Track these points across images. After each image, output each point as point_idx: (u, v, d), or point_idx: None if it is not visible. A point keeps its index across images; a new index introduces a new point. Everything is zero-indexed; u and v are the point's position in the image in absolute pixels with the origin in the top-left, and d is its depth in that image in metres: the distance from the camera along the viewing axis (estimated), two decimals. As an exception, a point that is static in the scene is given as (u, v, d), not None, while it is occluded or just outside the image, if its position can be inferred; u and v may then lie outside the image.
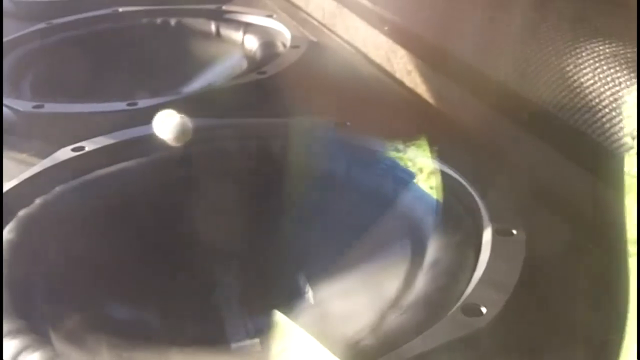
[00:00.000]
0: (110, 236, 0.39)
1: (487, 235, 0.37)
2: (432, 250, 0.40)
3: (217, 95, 0.39)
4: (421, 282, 0.38)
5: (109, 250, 0.39)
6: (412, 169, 0.43)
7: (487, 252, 0.36)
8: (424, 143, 0.41)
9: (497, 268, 0.35)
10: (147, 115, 0.39)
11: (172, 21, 0.45)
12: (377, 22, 0.40)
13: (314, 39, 0.41)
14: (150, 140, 0.40)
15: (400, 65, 0.40)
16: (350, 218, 0.52)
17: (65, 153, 0.39)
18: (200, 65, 0.42)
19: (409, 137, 0.40)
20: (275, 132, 0.40)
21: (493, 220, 0.37)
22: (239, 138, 0.41)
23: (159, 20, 0.45)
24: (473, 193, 0.39)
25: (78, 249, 0.38)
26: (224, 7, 0.44)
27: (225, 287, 0.43)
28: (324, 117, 0.41)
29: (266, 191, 0.42)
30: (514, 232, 0.38)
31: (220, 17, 0.44)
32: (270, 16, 0.42)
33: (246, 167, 0.40)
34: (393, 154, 0.43)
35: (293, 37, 0.40)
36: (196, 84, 0.40)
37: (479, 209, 0.38)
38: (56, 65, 0.48)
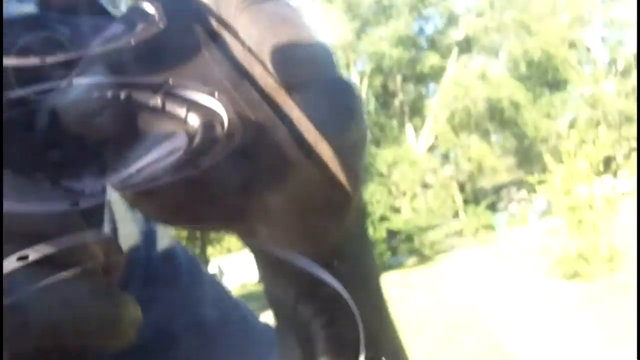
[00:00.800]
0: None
1: None
2: None
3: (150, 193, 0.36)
4: None
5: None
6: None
7: None
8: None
9: None
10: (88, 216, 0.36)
11: (122, 94, 0.42)
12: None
13: (253, 119, 0.38)
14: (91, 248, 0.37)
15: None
16: None
17: (10, 263, 0.35)
18: (146, 144, 0.39)
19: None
20: None
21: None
22: None
23: (109, 94, 0.42)
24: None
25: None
26: (170, 81, 0.41)
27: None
28: (234, 224, 0.38)
29: None
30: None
31: (166, 91, 0.41)
32: (211, 94, 0.39)
33: None
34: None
35: (230, 123, 0.37)
36: (137, 167, 0.37)
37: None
38: (5, 147, 0.45)
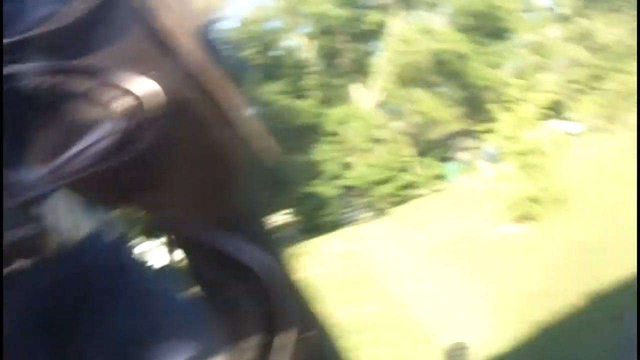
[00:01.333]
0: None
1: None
2: None
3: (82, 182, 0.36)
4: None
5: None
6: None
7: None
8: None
9: None
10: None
11: (49, 82, 0.41)
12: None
13: (184, 97, 0.37)
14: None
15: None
16: None
17: None
18: (74, 132, 0.38)
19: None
20: None
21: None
22: None
23: (35, 82, 0.41)
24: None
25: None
26: (97, 64, 0.40)
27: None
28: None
29: None
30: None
31: (94, 76, 0.40)
32: (138, 77, 0.38)
33: None
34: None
35: (157, 107, 0.36)
36: (66, 157, 0.36)
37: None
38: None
